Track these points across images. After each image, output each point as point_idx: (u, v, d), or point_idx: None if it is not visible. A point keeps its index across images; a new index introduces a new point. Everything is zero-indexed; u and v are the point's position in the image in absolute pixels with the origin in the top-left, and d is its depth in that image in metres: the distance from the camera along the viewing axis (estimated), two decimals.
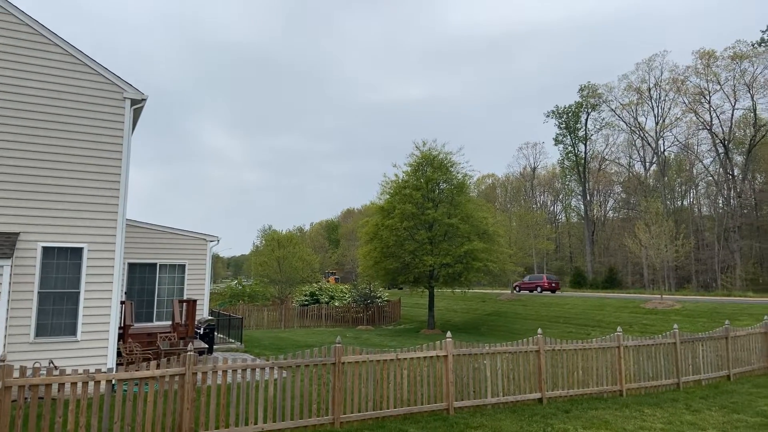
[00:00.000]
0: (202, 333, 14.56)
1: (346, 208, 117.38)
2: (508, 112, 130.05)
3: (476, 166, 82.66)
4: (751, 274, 52.56)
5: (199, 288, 16.76)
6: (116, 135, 11.23)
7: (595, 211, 72.51)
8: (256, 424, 7.75)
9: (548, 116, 70.17)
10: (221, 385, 7.62)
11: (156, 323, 16.10)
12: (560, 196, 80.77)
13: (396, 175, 31.67)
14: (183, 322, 13.97)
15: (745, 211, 57.20)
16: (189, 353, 7.49)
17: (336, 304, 38.15)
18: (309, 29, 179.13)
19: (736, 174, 56.66)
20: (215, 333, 16.37)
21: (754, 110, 54.84)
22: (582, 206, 70.13)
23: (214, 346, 15.76)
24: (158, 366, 7.35)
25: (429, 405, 9.25)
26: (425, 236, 29.36)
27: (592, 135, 68.40)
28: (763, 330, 14.23)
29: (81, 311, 10.51)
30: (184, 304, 14.58)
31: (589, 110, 67.14)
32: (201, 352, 11.81)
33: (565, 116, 68.64)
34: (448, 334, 10.10)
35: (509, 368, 10.18)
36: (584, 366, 10.94)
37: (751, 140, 54.81)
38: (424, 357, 9.44)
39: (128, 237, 15.25)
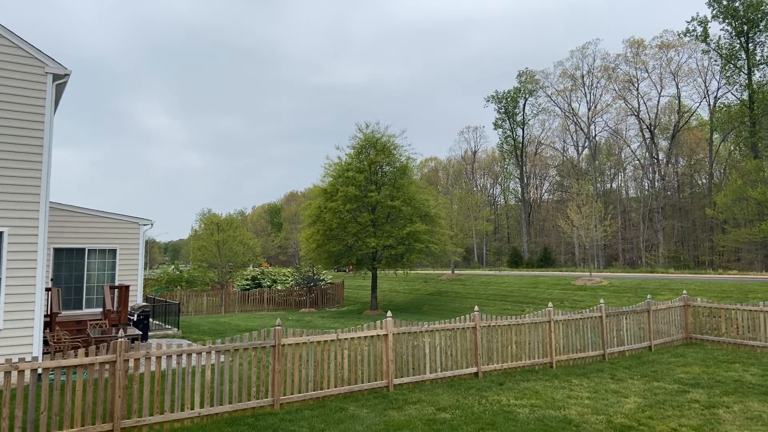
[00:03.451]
0: (135, 320, 14.07)
1: (290, 191, 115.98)
2: (452, 97, 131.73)
3: (419, 149, 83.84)
4: (672, 252, 56.30)
5: (132, 273, 16.12)
6: (37, 112, 10.53)
7: (531, 193, 75.12)
8: (192, 409, 7.63)
9: (488, 101, 71.65)
10: (155, 371, 7.43)
11: (86, 310, 15.39)
12: (499, 179, 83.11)
13: (339, 158, 31.50)
14: (115, 309, 13.45)
15: (669, 192, 61.01)
16: (120, 340, 7.25)
17: (278, 287, 37.79)
18: (255, 9, 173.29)
19: (660, 158, 60.15)
20: (150, 319, 15.86)
21: (679, 97, 58.25)
22: (519, 189, 72.44)
23: (149, 333, 15.29)
24: (87, 353, 7.06)
25: (369, 383, 9.40)
26: (368, 218, 29.48)
27: (529, 120, 70.56)
28: (682, 303, 15.31)
29: (2, 299, 9.90)
30: (116, 290, 14.02)
31: (527, 96, 69.08)
32: (134, 339, 11.42)
33: (504, 101, 70.27)
34: (389, 313, 10.26)
35: (447, 345, 10.49)
36: (518, 340, 11.42)
37: (674, 126, 58.25)
38: (365, 336, 9.56)
39: (53, 221, 14.45)
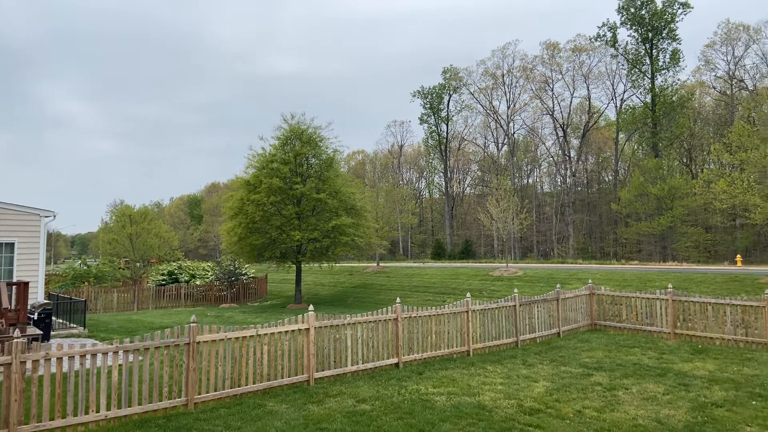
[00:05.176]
0: (36, 318, 13.06)
1: (211, 182, 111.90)
2: (380, 91, 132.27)
3: (347, 142, 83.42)
4: (581, 243, 60.00)
5: (32, 269, 14.91)
6: None
7: (454, 187, 77.16)
8: (98, 412, 7.19)
9: (414, 96, 72.61)
10: (57, 373, 6.94)
11: None
12: (424, 173, 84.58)
13: (263, 149, 30.71)
14: (13, 308, 12.39)
15: (579, 188, 64.86)
16: (17, 340, 6.70)
17: (197, 282, 36.45)
18: None
19: (572, 155, 63.74)
20: (53, 318, 14.78)
21: (589, 99, 61.92)
22: (443, 183, 74.19)
23: (52, 333, 14.26)
24: None
25: (290, 378, 9.30)
26: (293, 211, 29.02)
27: (453, 116, 72.27)
28: (588, 292, 16.34)
29: None
30: (14, 287, 12.94)
31: (451, 92, 70.68)
32: (34, 339, 10.58)
33: (429, 97, 71.48)
34: (311, 307, 10.19)
35: (369, 337, 10.57)
36: (437, 330, 11.72)
37: (585, 125, 61.88)
38: (286, 331, 9.43)
39: None
